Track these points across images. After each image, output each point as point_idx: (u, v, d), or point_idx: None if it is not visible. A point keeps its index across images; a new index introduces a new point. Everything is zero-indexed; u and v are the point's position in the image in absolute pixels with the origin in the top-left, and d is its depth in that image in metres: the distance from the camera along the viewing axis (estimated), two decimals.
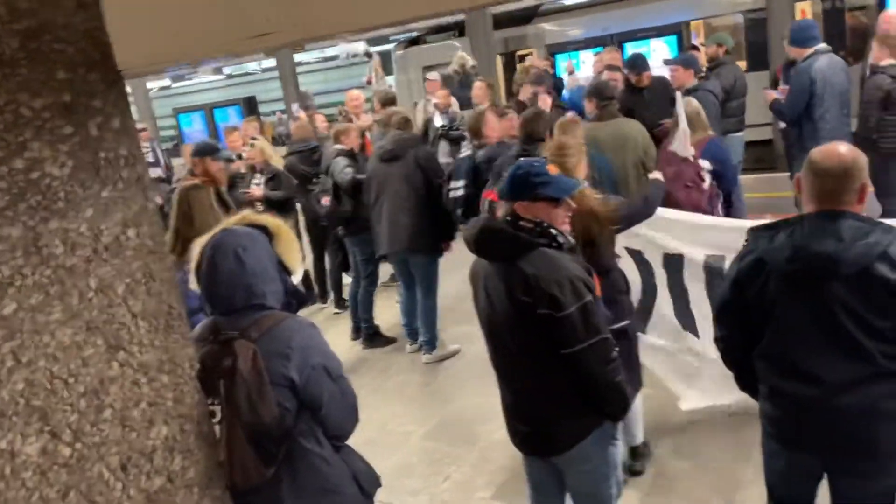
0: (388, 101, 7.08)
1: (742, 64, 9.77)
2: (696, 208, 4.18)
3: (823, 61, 5.25)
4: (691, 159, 4.43)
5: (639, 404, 3.64)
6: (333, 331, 6.51)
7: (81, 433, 1.81)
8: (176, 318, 2.04)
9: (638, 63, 6.14)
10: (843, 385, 2.13)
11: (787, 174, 6.52)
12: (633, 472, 3.65)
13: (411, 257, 5.28)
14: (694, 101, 4.75)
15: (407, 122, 5.42)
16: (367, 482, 2.36)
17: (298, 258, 2.42)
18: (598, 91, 5.10)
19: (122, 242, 1.89)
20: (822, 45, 5.33)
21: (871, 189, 2.21)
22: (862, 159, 2.17)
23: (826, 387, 2.14)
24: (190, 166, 4.77)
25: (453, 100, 7.46)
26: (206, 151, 4.80)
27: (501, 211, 2.59)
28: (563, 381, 2.47)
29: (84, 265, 1.80)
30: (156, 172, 9.72)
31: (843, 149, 2.19)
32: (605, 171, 4.51)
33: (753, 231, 2.29)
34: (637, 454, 3.70)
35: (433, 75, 8.34)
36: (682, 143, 4.44)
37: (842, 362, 2.13)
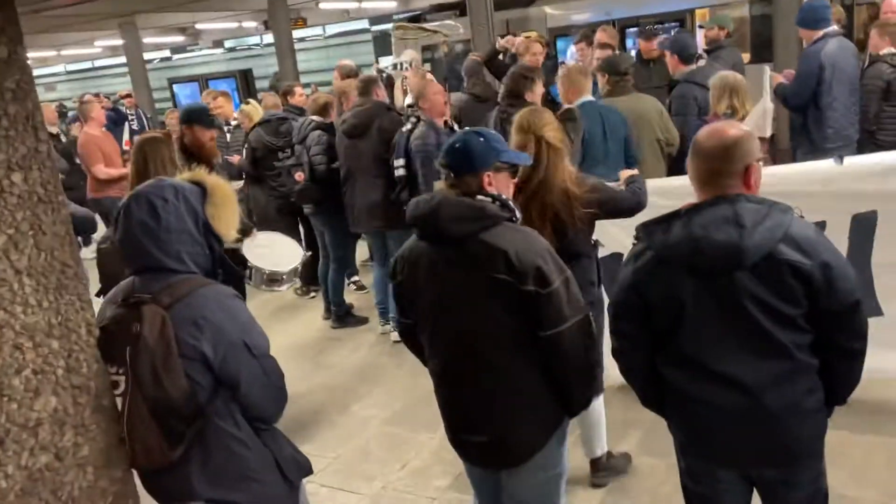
0: (350, 73, 6.73)
1: (746, 56, 9.51)
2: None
3: (833, 45, 4.88)
4: (767, 138, 4.15)
5: (601, 410, 3.37)
6: (306, 310, 6.31)
7: None
8: (71, 277, 1.82)
9: (648, 30, 5.90)
10: (765, 385, 1.94)
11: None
12: (594, 485, 3.40)
13: (388, 232, 5.09)
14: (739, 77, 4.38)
15: (366, 88, 5.13)
16: (290, 469, 2.14)
17: (232, 224, 2.16)
18: (612, 65, 4.85)
19: (4, 188, 1.68)
20: (833, 28, 4.97)
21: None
22: (749, 141, 1.98)
23: (747, 389, 1.95)
24: (178, 135, 4.13)
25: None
26: (194, 118, 4.14)
27: (448, 185, 2.28)
28: (529, 375, 2.21)
29: None
30: None
31: (729, 128, 2.01)
32: (615, 145, 4.24)
33: (645, 227, 2.06)
34: (599, 466, 3.43)
35: (409, 53, 8.09)
36: (762, 122, 4.13)
37: (760, 360, 1.94)
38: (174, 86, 16.41)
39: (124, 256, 2.09)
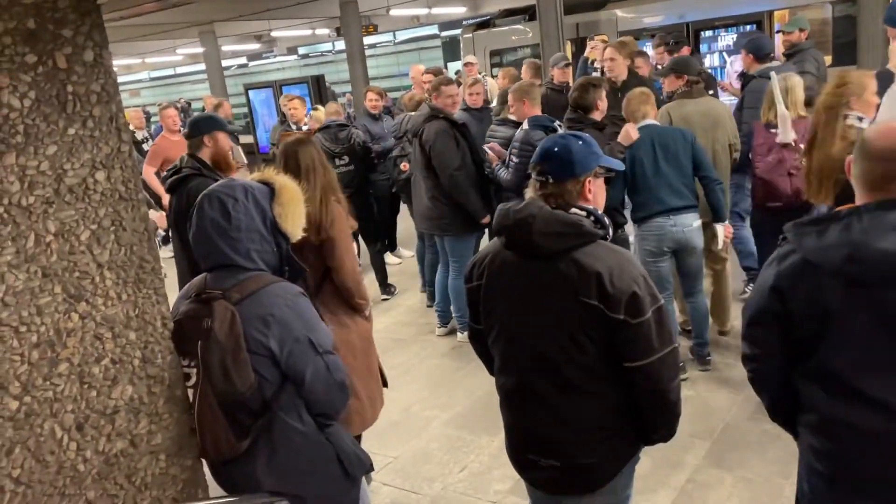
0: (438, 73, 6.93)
1: (828, 59, 9.16)
2: (798, 197, 3.92)
3: None
4: (793, 144, 4.10)
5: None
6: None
7: (32, 386, 1.69)
8: (149, 271, 1.91)
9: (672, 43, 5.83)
10: None
11: None
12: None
13: (443, 237, 5.14)
14: (794, 78, 4.34)
15: (419, 104, 5.30)
16: (352, 465, 2.18)
17: (299, 222, 2.22)
18: (685, 66, 4.79)
19: (89, 185, 1.77)
20: None
21: None
22: None
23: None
24: (189, 151, 3.58)
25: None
26: (219, 124, 3.65)
27: (541, 194, 2.12)
28: (611, 401, 2.08)
29: (43, 206, 1.69)
30: None
31: None
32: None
33: (796, 227, 1.88)
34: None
35: (472, 58, 8.19)
36: (784, 128, 4.11)
37: None
38: (249, 91, 16.87)
39: (197, 253, 2.17)
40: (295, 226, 2.19)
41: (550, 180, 2.09)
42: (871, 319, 1.75)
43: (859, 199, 1.85)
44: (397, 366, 5.21)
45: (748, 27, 11.03)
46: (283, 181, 2.23)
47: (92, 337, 1.79)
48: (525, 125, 4.63)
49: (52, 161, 1.69)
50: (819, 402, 1.87)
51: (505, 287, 2.15)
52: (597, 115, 4.36)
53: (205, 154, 3.55)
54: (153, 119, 14.45)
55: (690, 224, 4.12)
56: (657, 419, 2.13)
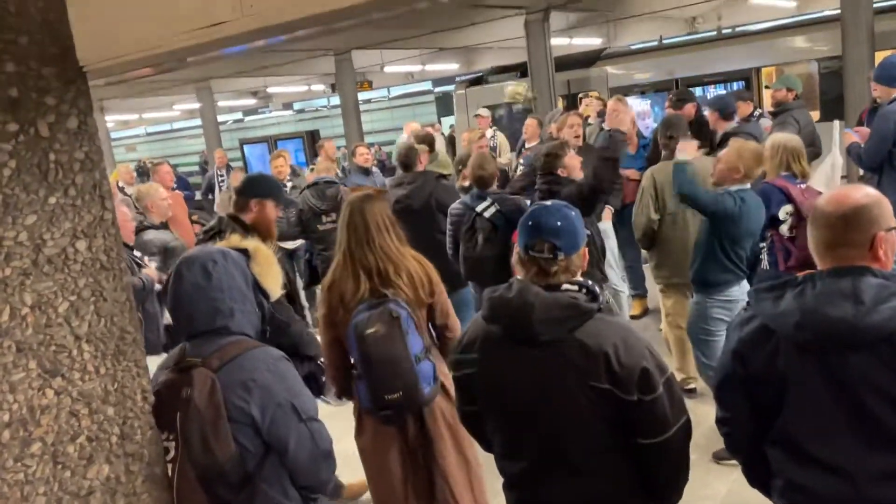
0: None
1: (815, 114, 9.28)
2: None
3: None
4: None
5: None
6: None
7: (2, 468, 1.60)
8: (129, 343, 1.83)
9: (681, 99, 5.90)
10: (876, 478, 1.71)
11: None
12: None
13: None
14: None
15: (411, 159, 5.11)
16: None
17: (278, 280, 2.22)
18: (678, 125, 4.85)
19: (69, 255, 1.71)
20: None
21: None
22: (877, 207, 1.77)
23: (854, 480, 1.73)
24: (231, 210, 3.41)
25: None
26: (275, 191, 3.46)
27: (529, 272, 2.00)
28: (622, 478, 1.98)
29: (19, 278, 1.62)
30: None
31: (853, 193, 1.80)
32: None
33: (756, 292, 1.89)
34: None
35: (484, 112, 8.21)
36: (832, 176, 3.95)
37: (870, 451, 1.72)
38: (244, 146, 16.97)
39: (175, 321, 2.10)
40: (275, 284, 2.19)
41: (562, 257, 1.96)
42: (824, 385, 1.76)
43: (819, 266, 1.85)
44: None
45: (736, 84, 11.22)
46: (255, 244, 2.25)
47: (67, 414, 1.70)
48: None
49: (31, 231, 1.64)
50: (783, 468, 1.87)
51: (506, 376, 2.00)
52: (564, 174, 4.28)
53: (247, 219, 3.32)
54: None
55: None
56: (670, 487, 2.03)
